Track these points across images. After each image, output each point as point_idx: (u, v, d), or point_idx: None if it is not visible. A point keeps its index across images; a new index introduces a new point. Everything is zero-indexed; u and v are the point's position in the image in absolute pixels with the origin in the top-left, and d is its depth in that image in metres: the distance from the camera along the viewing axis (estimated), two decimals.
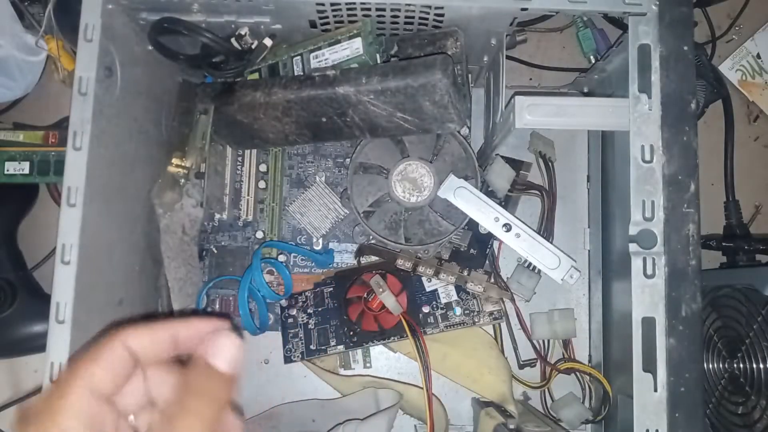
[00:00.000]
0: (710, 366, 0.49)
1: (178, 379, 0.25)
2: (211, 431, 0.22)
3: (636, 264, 0.37)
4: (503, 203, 0.50)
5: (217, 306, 0.54)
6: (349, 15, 0.42)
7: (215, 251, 0.54)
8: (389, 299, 0.48)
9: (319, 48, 0.45)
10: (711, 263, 0.55)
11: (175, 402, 0.23)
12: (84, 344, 0.37)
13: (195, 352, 0.24)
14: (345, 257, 0.54)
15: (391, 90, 0.39)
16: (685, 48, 0.38)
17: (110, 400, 0.23)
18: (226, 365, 0.23)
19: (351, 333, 0.50)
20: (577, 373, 0.52)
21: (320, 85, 0.41)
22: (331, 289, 0.52)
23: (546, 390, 0.52)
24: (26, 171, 0.50)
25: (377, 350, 0.54)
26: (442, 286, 0.51)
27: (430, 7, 0.40)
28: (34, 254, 0.55)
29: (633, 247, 0.37)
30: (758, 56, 0.58)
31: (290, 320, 0.52)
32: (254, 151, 0.54)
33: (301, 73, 0.45)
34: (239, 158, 0.53)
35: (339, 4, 0.40)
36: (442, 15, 0.42)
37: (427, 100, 0.40)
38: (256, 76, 0.47)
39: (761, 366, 0.44)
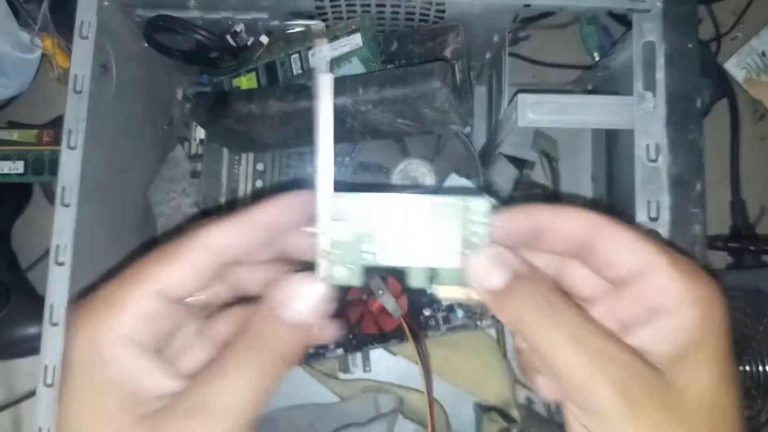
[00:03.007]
0: None
1: (241, 315, 0.22)
2: (255, 393, 0.19)
3: None
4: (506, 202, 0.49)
5: None
6: (348, 11, 0.42)
7: None
8: (389, 301, 0.47)
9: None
10: (717, 264, 0.55)
11: (229, 344, 0.20)
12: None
13: (263, 291, 0.21)
14: None
15: (389, 100, 0.39)
16: (690, 45, 0.37)
17: (183, 304, 0.21)
18: (297, 318, 0.20)
19: (350, 336, 0.50)
20: None
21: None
22: None
23: None
24: (20, 170, 0.50)
25: (377, 354, 0.53)
26: (408, 280, 0.50)
27: (431, 2, 0.40)
28: (27, 255, 0.55)
29: None
30: (763, 54, 0.57)
31: None
32: None
33: (300, 71, 0.45)
34: (236, 158, 0.53)
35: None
36: (443, 11, 0.41)
37: (426, 107, 0.39)
38: (253, 75, 0.46)
39: None
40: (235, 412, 0.19)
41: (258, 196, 0.52)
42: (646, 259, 0.20)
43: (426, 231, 0.21)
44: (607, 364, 0.18)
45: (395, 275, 0.50)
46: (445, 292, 0.22)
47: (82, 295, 0.21)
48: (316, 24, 0.43)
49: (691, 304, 0.19)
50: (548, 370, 0.20)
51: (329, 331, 0.22)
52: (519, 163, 0.51)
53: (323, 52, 0.43)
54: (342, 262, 0.21)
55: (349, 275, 0.21)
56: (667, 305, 0.19)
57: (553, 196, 0.52)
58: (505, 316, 0.20)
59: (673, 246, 0.20)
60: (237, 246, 0.21)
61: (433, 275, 0.22)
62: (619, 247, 0.20)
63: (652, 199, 0.36)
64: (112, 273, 0.20)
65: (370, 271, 0.49)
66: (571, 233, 0.21)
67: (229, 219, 0.21)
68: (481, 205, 0.21)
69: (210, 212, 0.49)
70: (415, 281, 0.22)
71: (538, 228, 0.21)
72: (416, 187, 0.47)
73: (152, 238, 0.48)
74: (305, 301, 0.21)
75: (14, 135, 0.50)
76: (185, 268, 0.20)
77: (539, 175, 0.52)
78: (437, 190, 0.46)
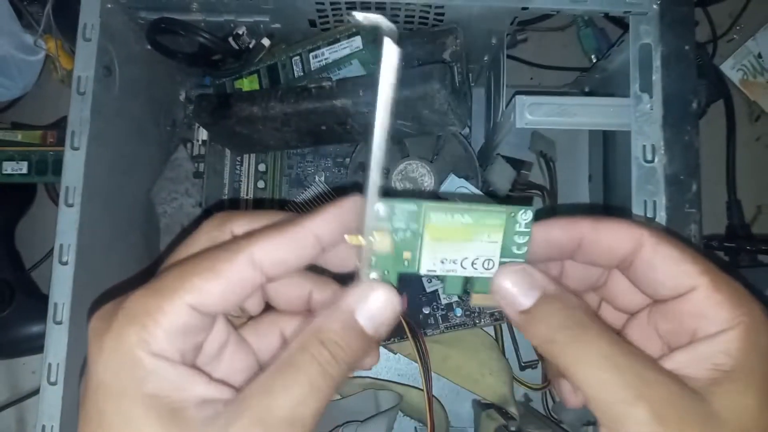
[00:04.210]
0: None
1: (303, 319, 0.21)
2: (319, 403, 0.18)
3: None
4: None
5: None
6: (348, 13, 0.42)
7: None
8: None
9: (318, 47, 0.44)
10: None
11: (286, 350, 0.19)
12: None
13: (333, 294, 0.21)
14: None
15: None
16: (687, 47, 0.38)
17: (218, 319, 0.20)
18: (370, 324, 0.19)
19: None
20: None
21: (317, 98, 0.41)
22: None
23: (547, 392, 0.52)
24: (24, 171, 0.50)
25: None
26: (443, 287, 0.51)
27: (430, 6, 0.40)
28: (31, 254, 0.55)
29: None
30: (759, 56, 0.58)
31: None
32: None
33: (301, 73, 0.45)
34: (238, 158, 0.53)
35: (339, 2, 0.40)
36: (442, 14, 0.42)
37: (426, 108, 0.40)
38: (254, 77, 0.47)
39: None
40: (302, 427, 0.18)
41: (260, 202, 0.52)
42: (687, 280, 0.19)
43: (466, 239, 0.20)
44: (641, 386, 0.17)
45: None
46: (481, 300, 0.22)
47: (97, 305, 0.19)
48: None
49: (733, 327, 0.18)
50: (579, 391, 0.19)
51: (375, 354, 0.22)
52: (517, 163, 0.52)
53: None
54: (379, 269, 0.21)
55: (384, 281, 0.21)
56: (708, 328, 0.19)
57: (551, 197, 0.52)
58: (534, 336, 0.20)
59: (716, 264, 0.19)
60: (286, 264, 0.20)
61: (468, 283, 0.21)
62: (661, 265, 0.19)
63: (649, 199, 0.37)
64: (126, 281, 0.19)
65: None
66: (612, 248, 0.20)
67: (279, 231, 0.19)
68: (526, 215, 0.20)
69: (210, 211, 0.50)
70: (451, 289, 0.22)
71: (578, 241, 0.21)
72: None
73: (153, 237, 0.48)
74: (382, 307, 0.20)
75: (18, 136, 0.51)
76: (227, 283, 0.19)
77: (537, 175, 0.53)
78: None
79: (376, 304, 0.20)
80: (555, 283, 0.20)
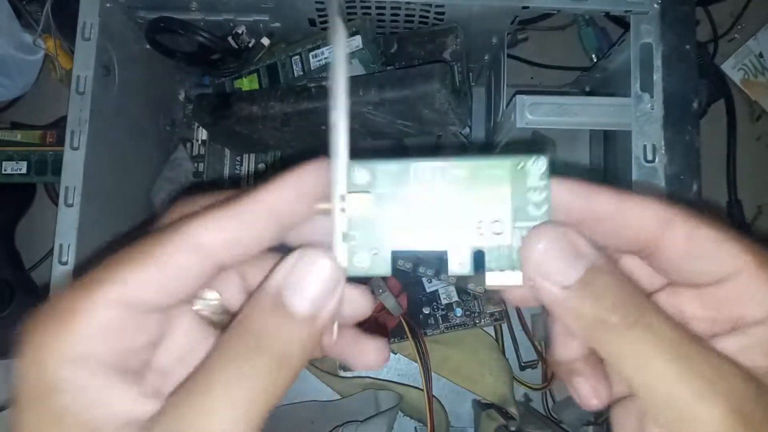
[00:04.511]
0: None
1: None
2: (257, 412, 0.15)
3: None
4: None
5: None
6: (348, 13, 0.42)
7: None
8: (389, 300, 0.47)
9: (318, 47, 0.44)
10: None
11: (205, 359, 0.15)
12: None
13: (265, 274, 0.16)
14: None
15: (389, 101, 0.39)
16: (688, 47, 0.38)
17: (165, 312, 0.17)
18: (306, 304, 0.15)
19: None
20: None
21: (317, 97, 0.41)
22: None
23: (547, 391, 0.52)
24: (23, 171, 0.50)
25: None
26: (443, 287, 0.51)
27: (430, 5, 0.40)
28: (31, 255, 0.55)
29: None
30: (761, 55, 0.57)
31: None
32: None
33: (301, 72, 0.45)
34: (238, 158, 0.53)
35: None
36: (442, 13, 0.42)
37: (426, 108, 0.40)
38: (254, 77, 0.47)
39: None
40: None
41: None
42: (729, 263, 0.16)
43: (469, 203, 0.17)
44: (718, 380, 0.15)
45: (395, 274, 0.50)
46: (496, 279, 0.17)
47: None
48: None
49: None
50: (627, 383, 0.16)
51: (369, 350, 0.19)
52: None
53: None
54: (365, 248, 0.17)
55: (373, 263, 0.17)
56: (757, 313, 0.16)
57: None
58: (579, 318, 0.16)
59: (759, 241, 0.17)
60: (236, 244, 0.16)
61: (479, 259, 0.17)
62: (698, 250, 0.16)
63: None
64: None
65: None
66: (639, 230, 0.17)
67: (225, 208, 0.16)
68: (539, 165, 0.17)
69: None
70: (458, 267, 0.17)
71: (596, 215, 0.17)
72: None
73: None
74: (320, 285, 0.16)
75: (17, 136, 0.51)
76: (163, 272, 0.15)
77: None
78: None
79: (310, 278, 0.16)
80: (602, 252, 0.17)
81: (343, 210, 0.17)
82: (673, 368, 0.15)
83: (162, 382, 0.17)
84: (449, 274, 0.18)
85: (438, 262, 0.49)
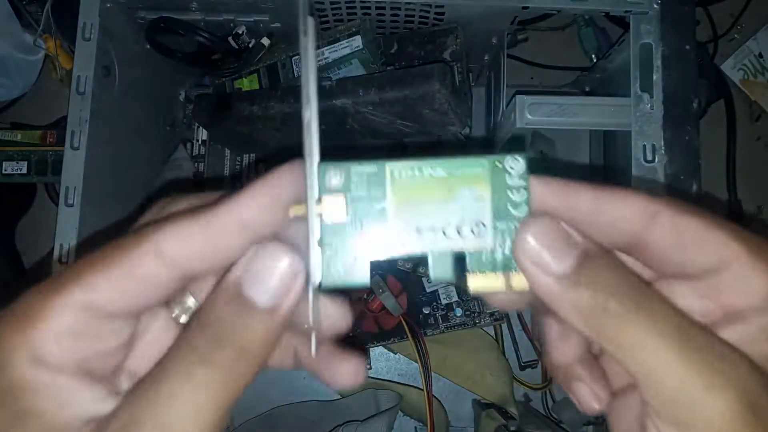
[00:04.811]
0: None
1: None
2: (216, 406, 0.14)
3: None
4: None
5: None
6: (348, 13, 0.42)
7: None
8: (389, 300, 0.47)
9: (318, 47, 0.44)
10: None
11: (175, 341, 0.15)
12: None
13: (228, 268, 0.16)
14: None
15: (389, 101, 0.39)
16: (687, 47, 0.38)
17: (134, 317, 0.17)
18: (265, 296, 0.15)
19: (350, 334, 0.50)
20: None
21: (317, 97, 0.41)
22: None
23: (547, 391, 0.52)
24: (24, 171, 0.50)
25: (377, 351, 0.54)
26: (443, 287, 0.51)
27: (430, 5, 0.40)
28: (31, 255, 0.55)
29: None
30: (760, 55, 0.58)
31: None
32: None
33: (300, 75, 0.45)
34: (238, 158, 0.53)
35: (338, 2, 0.40)
36: (442, 14, 0.42)
37: (426, 108, 0.40)
38: (254, 77, 0.47)
39: None
40: None
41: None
42: (721, 252, 0.15)
43: (444, 199, 0.16)
44: (726, 368, 0.14)
45: (395, 274, 0.50)
46: (479, 282, 0.16)
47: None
48: None
49: None
50: (631, 373, 0.15)
51: (344, 370, 0.18)
52: None
53: None
54: (341, 255, 0.16)
55: (349, 272, 0.16)
56: (753, 302, 0.15)
57: None
58: (576, 308, 0.15)
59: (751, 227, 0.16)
60: (203, 256, 0.16)
61: (461, 262, 0.17)
62: (687, 240, 0.16)
63: None
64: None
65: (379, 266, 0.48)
66: (623, 224, 0.16)
67: (194, 218, 0.16)
68: (517, 162, 0.16)
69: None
70: (440, 272, 0.17)
71: (578, 212, 0.16)
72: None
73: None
74: (279, 278, 0.15)
75: (18, 136, 0.51)
76: (126, 279, 0.15)
77: None
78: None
79: (267, 269, 0.15)
80: (592, 241, 0.16)
81: (319, 215, 0.16)
82: (680, 357, 0.14)
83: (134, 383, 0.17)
84: (431, 280, 0.18)
85: None
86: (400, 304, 0.48)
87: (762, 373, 0.15)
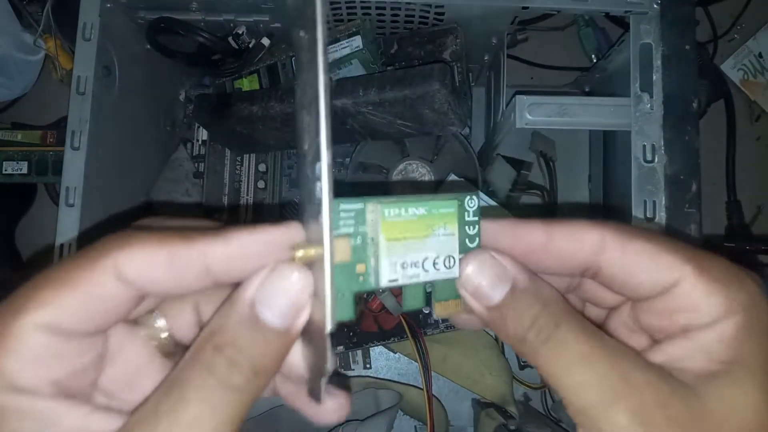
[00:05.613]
0: None
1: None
2: (220, 422, 0.15)
3: None
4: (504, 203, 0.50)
5: None
6: (348, 13, 0.42)
7: None
8: (389, 300, 0.48)
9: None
10: None
11: (172, 375, 0.15)
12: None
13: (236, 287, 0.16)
14: None
15: (389, 101, 0.39)
16: (687, 47, 0.38)
17: (102, 335, 0.16)
18: (278, 316, 0.15)
19: (351, 334, 0.50)
20: None
21: None
22: None
23: (547, 391, 0.52)
24: (24, 171, 0.50)
25: (377, 351, 0.54)
26: (403, 302, 0.51)
27: (430, 5, 0.40)
28: (31, 255, 0.55)
29: None
30: (760, 55, 0.58)
31: None
32: None
33: None
34: (238, 159, 0.53)
35: (339, 2, 0.40)
36: (442, 14, 0.42)
37: (426, 108, 0.40)
38: (254, 77, 0.47)
39: None
40: None
41: (260, 203, 0.52)
42: (668, 274, 0.17)
43: (425, 235, 0.18)
44: (622, 387, 0.16)
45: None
46: (444, 310, 0.19)
47: None
48: None
49: (728, 313, 0.16)
50: (557, 393, 0.17)
51: (327, 408, 0.18)
52: (517, 163, 0.52)
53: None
54: (347, 295, 0.17)
55: (337, 307, 0.16)
56: (700, 320, 0.16)
57: (551, 197, 0.52)
58: (506, 337, 0.17)
59: (698, 246, 0.17)
60: (161, 285, 0.16)
61: (430, 292, 0.18)
62: (634, 265, 0.17)
63: (649, 199, 0.37)
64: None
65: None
66: (571, 256, 0.18)
67: (161, 244, 0.15)
68: (472, 202, 0.18)
69: (213, 211, 0.49)
70: (412, 301, 0.18)
71: (529, 248, 0.18)
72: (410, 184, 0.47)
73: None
74: (293, 300, 0.16)
75: (18, 136, 0.51)
76: (86, 297, 0.15)
77: (537, 175, 0.53)
78: (435, 186, 0.46)
79: (281, 290, 0.15)
80: (528, 273, 0.18)
81: (330, 257, 0.15)
82: (582, 379, 0.16)
83: (108, 401, 0.17)
84: (404, 310, 0.20)
85: None
86: (400, 304, 0.48)
87: (670, 388, 0.16)
